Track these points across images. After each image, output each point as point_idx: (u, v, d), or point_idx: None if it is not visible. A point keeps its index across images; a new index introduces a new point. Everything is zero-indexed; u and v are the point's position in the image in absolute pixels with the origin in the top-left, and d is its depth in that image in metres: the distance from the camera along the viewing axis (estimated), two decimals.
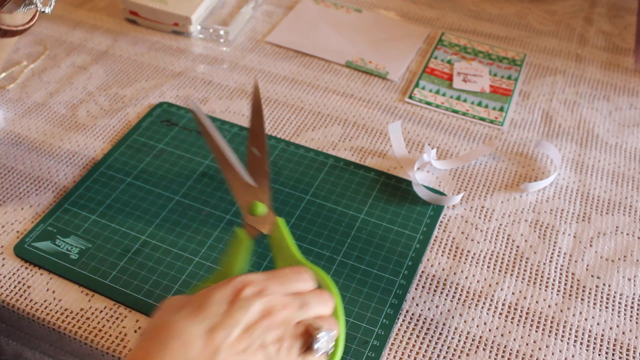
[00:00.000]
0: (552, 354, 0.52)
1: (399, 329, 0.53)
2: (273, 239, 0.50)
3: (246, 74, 0.79)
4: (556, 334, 0.53)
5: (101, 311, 0.53)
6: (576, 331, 0.53)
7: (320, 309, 0.45)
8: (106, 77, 0.78)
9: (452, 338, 0.52)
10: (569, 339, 0.53)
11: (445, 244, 0.59)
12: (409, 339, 0.52)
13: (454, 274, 0.57)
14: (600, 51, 0.85)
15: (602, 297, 0.56)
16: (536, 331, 0.53)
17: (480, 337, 0.53)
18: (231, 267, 0.49)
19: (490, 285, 0.56)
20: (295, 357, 0.42)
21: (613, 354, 0.52)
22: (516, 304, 0.55)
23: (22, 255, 0.57)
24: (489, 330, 0.53)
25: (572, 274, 0.57)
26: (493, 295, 0.55)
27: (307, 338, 0.43)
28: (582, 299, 0.55)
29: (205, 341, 0.40)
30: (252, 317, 0.41)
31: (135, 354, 0.41)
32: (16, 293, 0.55)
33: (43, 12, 0.53)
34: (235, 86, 0.77)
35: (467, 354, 0.51)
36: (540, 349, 0.52)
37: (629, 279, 0.57)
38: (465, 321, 0.54)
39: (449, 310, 0.54)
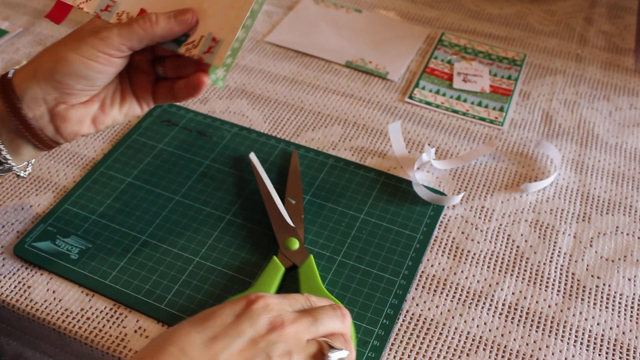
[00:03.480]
0: (552, 354, 0.52)
1: (399, 329, 0.53)
2: (302, 271, 0.55)
3: (246, 74, 0.79)
4: (556, 334, 0.53)
5: (101, 311, 0.53)
6: (576, 331, 0.53)
7: (334, 325, 0.44)
8: None
9: (452, 338, 0.52)
10: (569, 339, 0.53)
11: (445, 244, 0.59)
12: (409, 339, 0.52)
13: (454, 274, 0.57)
14: (600, 51, 0.85)
15: (602, 297, 0.56)
16: (536, 331, 0.53)
17: (480, 337, 0.53)
18: (263, 289, 0.53)
19: (490, 285, 0.56)
20: None
21: (613, 354, 0.52)
22: (516, 304, 0.55)
23: (22, 255, 0.57)
24: (489, 330, 0.53)
25: (572, 274, 0.57)
26: (493, 295, 0.55)
27: (319, 356, 0.42)
28: (582, 299, 0.55)
29: (203, 350, 0.39)
30: (259, 329, 0.40)
31: (135, 357, 0.41)
32: (16, 293, 0.55)
33: (19, 175, 0.54)
34: (235, 86, 0.77)
35: (467, 354, 0.51)
36: (540, 349, 0.52)
37: (629, 279, 0.57)
38: (465, 321, 0.54)
39: (449, 310, 0.54)
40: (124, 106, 0.53)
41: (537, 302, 0.55)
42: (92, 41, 0.48)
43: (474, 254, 0.59)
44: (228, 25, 0.48)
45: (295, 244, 0.57)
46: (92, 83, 0.49)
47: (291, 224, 0.58)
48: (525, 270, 0.57)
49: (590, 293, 0.56)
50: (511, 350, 0.52)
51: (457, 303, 0.55)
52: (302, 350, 0.41)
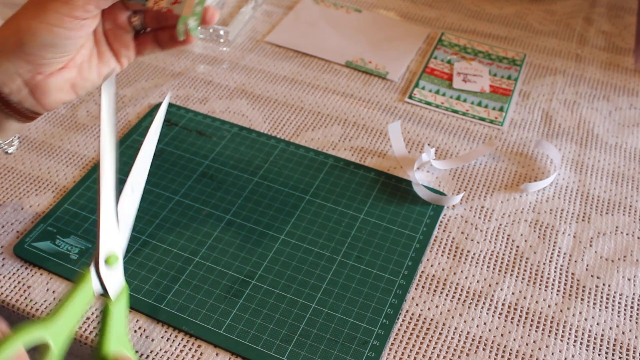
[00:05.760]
0: (552, 354, 0.52)
1: (399, 329, 0.53)
2: (115, 309, 0.45)
3: (246, 74, 0.79)
4: (556, 334, 0.53)
5: (101, 311, 0.53)
6: (576, 331, 0.53)
7: None
8: None
9: (452, 338, 0.52)
10: (569, 339, 0.53)
11: (445, 244, 0.59)
12: (409, 339, 0.52)
13: (454, 274, 0.57)
14: (600, 51, 0.85)
15: (602, 297, 0.56)
16: (536, 331, 0.53)
17: (480, 337, 0.53)
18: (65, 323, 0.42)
19: (490, 285, 0.56)
20: None
21: (613, 354, 0.52)
22: (516, 304, 0.55)
23: (22, 255, 0.57)
24: (489, 330, 0.53)
25: (572, 274, 0.57)
26: (493, 295, 0.55)
27: None
28: (582, 299, 0.55)
29: None
30: None
31: None
32: (16, 293, 0.55)
33: (7, 152, 0.53)
34: (235, 86, 0.77)
35: (467, 354, 0.51)
36: (540, 349, 0.52)
37: (629, 279, 0.57)
38: (465, 321, 0.54)
39: (448, 310, 0.54)
40: (103, 68, 0.52)
41: (537, 302, 0.55)
42: (55, 5, 0.45)
43: (474, 254, 0.59)
44: None
45: (116, 260, 0.45)
46: (63, 50, 0.47)
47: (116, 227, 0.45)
48: (525, 270, 0.57)
49: (590, 293, 0.56)
50: (511, 350, 0.52)
51: (457, 303, 0.55)
52: None
